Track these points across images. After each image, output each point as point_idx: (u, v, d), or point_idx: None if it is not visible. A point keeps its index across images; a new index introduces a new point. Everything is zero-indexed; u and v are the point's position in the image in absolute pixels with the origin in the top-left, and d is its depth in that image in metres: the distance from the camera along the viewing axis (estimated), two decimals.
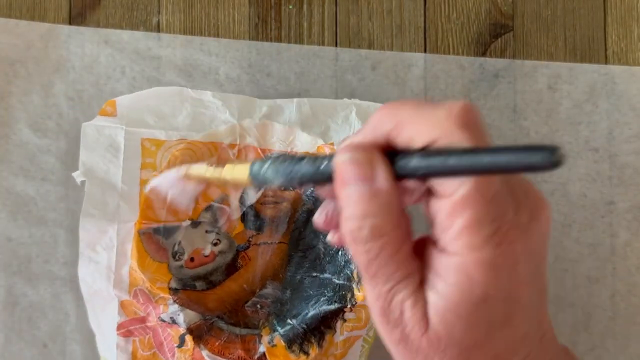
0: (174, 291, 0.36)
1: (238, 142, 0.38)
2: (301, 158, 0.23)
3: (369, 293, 0.23)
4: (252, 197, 0.39)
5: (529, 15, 0.47)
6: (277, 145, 0.38)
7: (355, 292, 0.37)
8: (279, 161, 0.23)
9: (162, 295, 0.36)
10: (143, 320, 0.37)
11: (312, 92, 0.44)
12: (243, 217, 0.39)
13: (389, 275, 0.22)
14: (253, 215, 0.39)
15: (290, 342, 0.36)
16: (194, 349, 0.36)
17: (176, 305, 0.36)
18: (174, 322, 0.36)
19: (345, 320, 0.37)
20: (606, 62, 0.47)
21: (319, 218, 0.26)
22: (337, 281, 0.37)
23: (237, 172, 0.26)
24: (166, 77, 0.43)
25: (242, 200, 0.39)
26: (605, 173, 0.46)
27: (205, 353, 0.36)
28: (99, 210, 0.36)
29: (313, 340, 0.36)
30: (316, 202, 0.39)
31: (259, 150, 0.38)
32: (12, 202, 0.42)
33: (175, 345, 0.37)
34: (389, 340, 0.23)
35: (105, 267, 0.36)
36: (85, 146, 0.37)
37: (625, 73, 0.47)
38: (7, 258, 0.41)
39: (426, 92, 0.46)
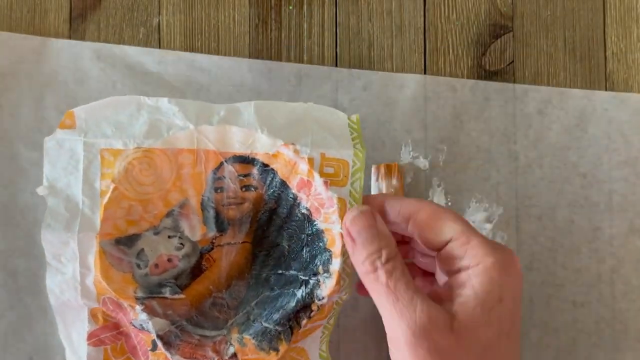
0: (141, 300, 0.36)
1: (196, 148, 0.37)
2: None
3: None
4: (212, 199, 0.38)
5: (529, 16, 0.48)
6: (237, 148, 0.38)
7: (323, 287, 0.36)
8: None
9: (130, 303, 0.36)
10: (114, 327, 0.37)
11: None
12: (205, 220, 0.39)
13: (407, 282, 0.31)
14: (215, 217, 0.39)
15: (260, 340, 0.36)
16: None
17: (144, 314, 0.36)
18: (143, 329, 0.36)
19: (310, 317, 0.37)
20: (605, 63, 0.48)
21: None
22: (303, 277, 0.37)
23: None
24: (158, 93, 0.43)
25: (202, 204, 0.38)
26: (593, 199, 0.46)
27: (176, 358, 0.36)
28: (58, 222, 0.36)
29: (282, 337, 0.36)
30: (278, 201, 0.38)
31: (219, 155, 0.38)
32: (0, 214, 0.42)
33: (149, 348, 0.37)
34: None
35: (71, 278, 0.36)
36: (48, 160, 0.37)
37: (615, 100, 0.47)
38: None
39: (417, 113, 0.46)
